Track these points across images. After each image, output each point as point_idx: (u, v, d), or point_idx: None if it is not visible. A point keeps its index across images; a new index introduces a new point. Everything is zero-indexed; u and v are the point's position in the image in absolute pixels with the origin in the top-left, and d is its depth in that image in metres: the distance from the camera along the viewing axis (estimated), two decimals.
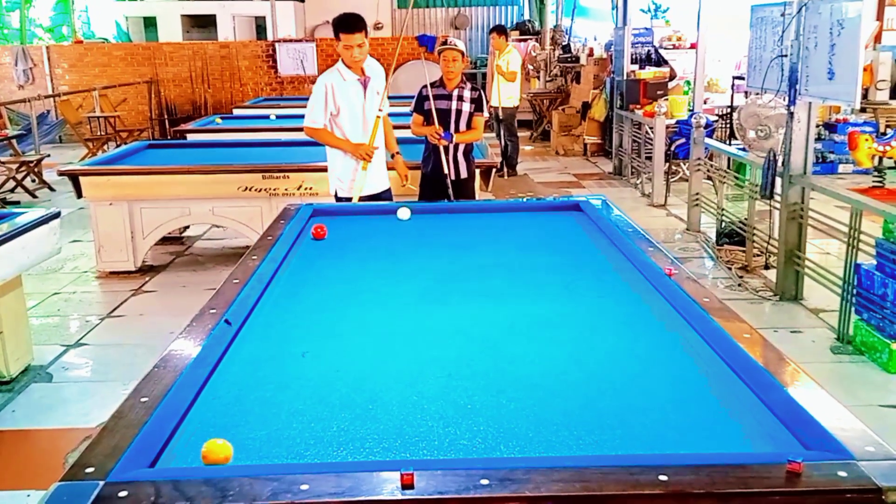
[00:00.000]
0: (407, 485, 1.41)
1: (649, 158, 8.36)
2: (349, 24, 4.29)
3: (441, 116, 5.11)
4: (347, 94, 4.53)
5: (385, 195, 4.78)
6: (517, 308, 2.53)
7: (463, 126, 5.15)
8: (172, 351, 2.07)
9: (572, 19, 13.83)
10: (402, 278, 2.88)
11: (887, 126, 8.84)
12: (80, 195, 5.81)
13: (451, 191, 5.08)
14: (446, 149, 5.10)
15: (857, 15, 4.28)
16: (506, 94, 9.60)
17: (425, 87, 5.16)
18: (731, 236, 6.19)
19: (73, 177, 5.77)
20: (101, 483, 1.43)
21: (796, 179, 5.02)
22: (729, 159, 6.88)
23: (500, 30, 9.85)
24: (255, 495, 1.40)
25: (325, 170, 5.39)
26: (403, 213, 3.75)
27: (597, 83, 11.03)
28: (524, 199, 4.83)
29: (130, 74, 14.09)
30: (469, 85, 5.22)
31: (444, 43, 5.22)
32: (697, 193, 6.97)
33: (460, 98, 5.14)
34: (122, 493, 1.41)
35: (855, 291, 4.36)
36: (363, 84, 4.56)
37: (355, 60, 4.41)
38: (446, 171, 5.10)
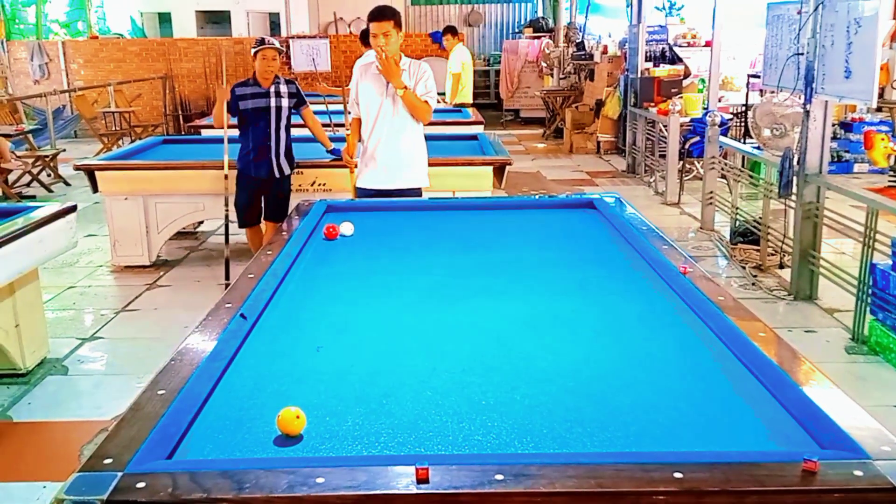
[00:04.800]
0: (422, 479, 1.42)
1: (663, 156, 8.33)
2: (373, 12, 4.28)
3: (258, 115, 5.21)
4: (370, 84, 4.43)
5: (399, 195, 4.50)
6: (531, 305, 2.53)
7: (284, 121, 5.29)
8: (189, 344, 2.09)
9: (586, 16, 13.78)
10: (415, 274, 2.89)
11: None
12: (95, 190, 5.86)
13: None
14: (277, 148, 5.27)
15: (874, 13, 4.25)
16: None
17: (238, 85, 5.28)
18: (746, 235, 6.16)
19: (89, 171, 5.81)
20: (120, 474, 1.45)
21: (812, 178, 4.99)
22: (744, 158, 6.85)
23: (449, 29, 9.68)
24: (271, 487, 1.41)
25: (337, 166, 5.43)
26: (346, 229, 3.38)
27: (611, 81, 11.00)
28: (537, 197, 4.83)
29: (145, 70, 14.16)
30: (283, 79, 5.33)
31: (262, 42, 5.24)
32: (711, 192, 6.94)
33: (278, 94, 5.25)
34: (140, 485, 1.42)
35: (870, 291, 4.33)
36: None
37: (380, 49, 4.26)
38: (276, 172, 5.32)
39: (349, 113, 4.71)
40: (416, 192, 4.58)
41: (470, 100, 9.52)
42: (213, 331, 2.19)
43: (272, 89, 5.24)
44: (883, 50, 7.19)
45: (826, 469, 1.44)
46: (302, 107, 5.42)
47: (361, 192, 4.58)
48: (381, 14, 4.25)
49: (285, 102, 5.29)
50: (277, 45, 5.30)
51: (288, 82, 5.36)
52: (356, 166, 4.69)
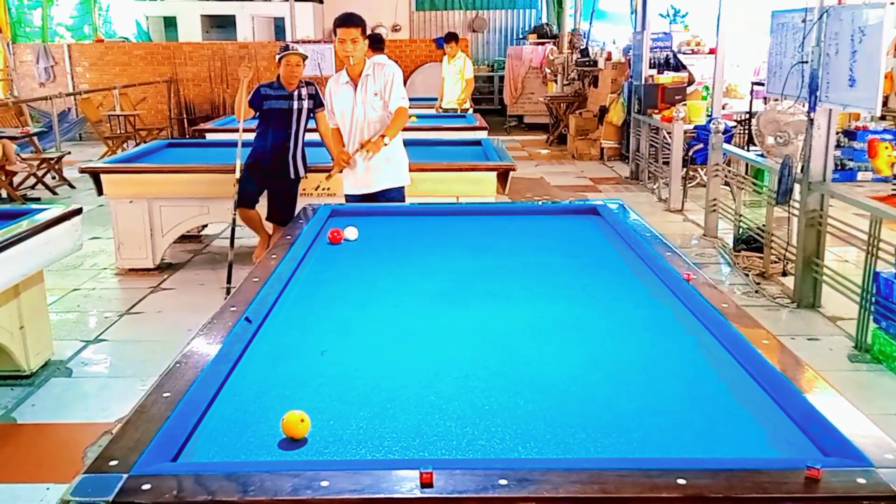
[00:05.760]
0: (426, 483, 1.42)
1: (667, 163, 8.34)
2: (342, 18, 4.34)
3: (281, 115, 5.35)
4: (340, 96, 4.58)
5: (383, 196, 4.62)
6: (534, 310, 2.54)
7: (304, 123, 5.44)
8: (194, 347, 2.10)
9: (590, 23, 13.80)
10: (419, 279, 2.90)
11: None
12: (100, 192, 5.88)
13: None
14: (294, 149, 5.44)
15: (879, 22, 4.26)
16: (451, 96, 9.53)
17: (263, 85, 5.43)
18: (749, 242, 6.17)
19: (94, 174, 5.83)
20: (125, 476, 1.46)
21: (815, 186, 4.99)
22: (747, 165, 6.86)
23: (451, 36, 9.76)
24: (276, 490, 1.42)
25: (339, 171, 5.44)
26: (351, 233, 3.39)
27: (614, 87, 11.01)
28: (541, 203, 4.84)
29: (150, 73, 14.20)
30: (304, 82, 5.46)
31: (286, 49, 5.39)
32: (715, 199, 6.94)
33: (300, 97, 5.38)
34: (146, 486, 1.43)
35: (873, 300, 4.33)
36: (354, 87, 4.51)
37: (346, 55, 4.37)
38: (291, 172, 5.46)
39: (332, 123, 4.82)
40: (400, 190, 4.69)
41: (468, 105, 9.59)
42: (217, 334, 2.20)
43: (295, 93, 5.38)
44: (887, 59, 7.20)
45: (829, 476, 1.44)
46: (318, 109, 5.49)
47: (349, 198, 4.68)
48: (348, 20, 4.32)
49: (306, 104, 5.42)
50: (302, 51, 5.43)
51: (308, 84, 5.47)
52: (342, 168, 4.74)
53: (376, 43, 7.69)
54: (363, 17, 4.46)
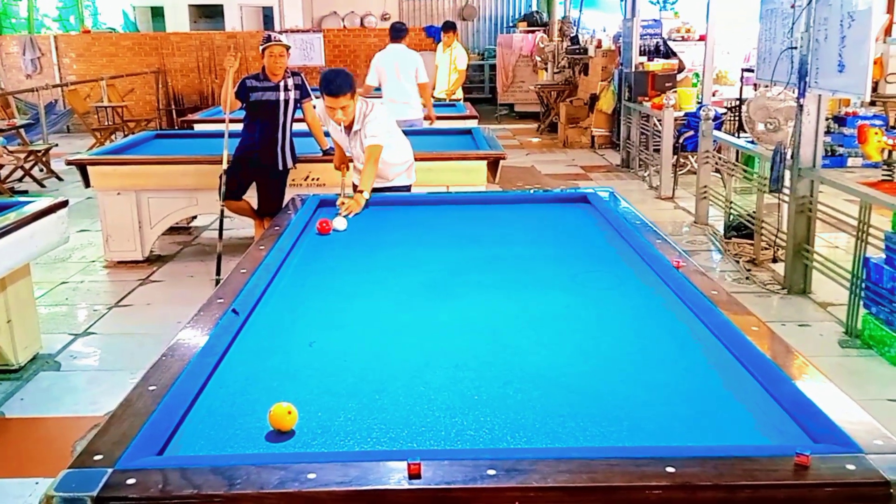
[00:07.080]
0: (414, 474, 1.41)
1: (657, 151, 8.33)
2: (331, 89, 4.07)
3: (268, 107, 5.29)
4: (334, 130, 4.53)
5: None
6: (524, 300, 2.53)
7: (291, 114, 5.37)
8: (180, 340, 2.08)
9: (580, 10, 13.76)
10: (408, 269, 2.88)
11: None
12: (87, 185, 5.83)
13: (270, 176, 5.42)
14: (282, 140, 5.38)
15: (868, 7, 4.25)
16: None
17: (249, 77, 5.34)
18: (739, 229, 6.17)
19: (82, 166, 5.78)
20: (110, 470, 1.44)
21: (805, 172, 4.99)
22: (737, 152, 6.86)
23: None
24: (262, 483, 1.40)
25: (329, 161, 5.42)
26: (339, 224, 3.43)
27: (605, 75, 11.00)
28: (531, 191, 4.82)
29: (138, 64, 14.09)
30: (290, 72, 5.39)
31: (269, 39, 5.29)
32: (705, 186, 6.94)
33: (286, 88, 5.32)
34: (131, 481, 1.41)
35: (863, 285, 4.34)
36: (347, 131, 4.39)
37: (337, 120, 4.23)
38: (280, 163, 5.41)
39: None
40: (407, 189, 4.66)
41: (460, 95, 9.55)
42: (204, 326, 2.18)
43: (281, 84, 5.31)
44: (876, 44, 7.20)
45: (818, 463, 1.44)
46: (305, 99, 5.45)
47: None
48: (336, 90, 4.06)
49: (292, 95, 5.36)
50: (285, 41, 5.35)
51: (294, 74, 5.42)
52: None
53: (398, 34, 7.59)
54: (351, 77, 4.17)
